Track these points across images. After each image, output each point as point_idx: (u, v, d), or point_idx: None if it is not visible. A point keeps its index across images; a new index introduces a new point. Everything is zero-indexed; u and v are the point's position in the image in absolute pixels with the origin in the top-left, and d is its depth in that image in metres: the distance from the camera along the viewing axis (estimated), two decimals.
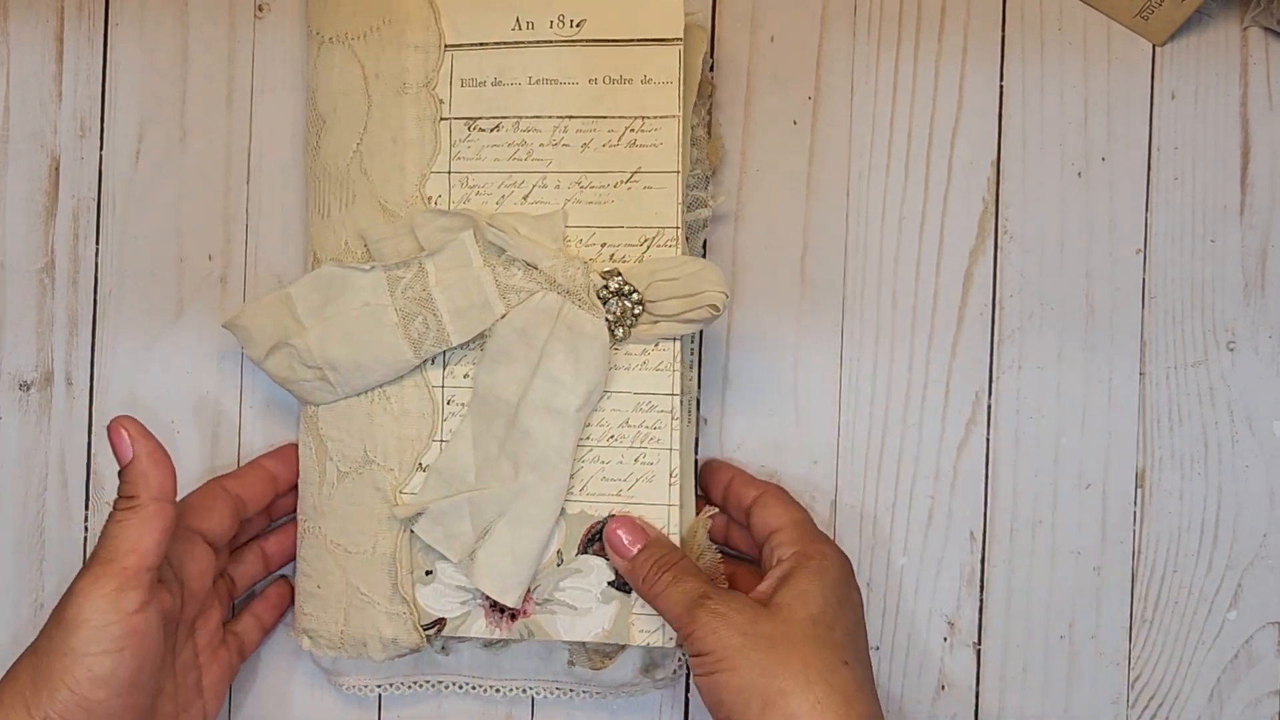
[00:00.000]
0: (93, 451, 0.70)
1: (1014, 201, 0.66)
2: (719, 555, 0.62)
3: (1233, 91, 0.66)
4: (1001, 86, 0.66)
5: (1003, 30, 0.66)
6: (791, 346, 0.67)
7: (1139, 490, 0.66)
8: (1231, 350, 0.65)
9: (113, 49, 0.70)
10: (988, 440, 0.66)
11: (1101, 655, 0.66)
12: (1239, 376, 0.65)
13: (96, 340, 0.69)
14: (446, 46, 0.63)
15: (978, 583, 0.66)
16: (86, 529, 0.70)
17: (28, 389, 0.70)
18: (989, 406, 0.66)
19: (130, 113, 0.69)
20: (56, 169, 0.70)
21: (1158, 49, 0.66)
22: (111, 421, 0.57)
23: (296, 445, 0.66)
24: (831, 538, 0.66)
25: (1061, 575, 0.66)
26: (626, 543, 0.60)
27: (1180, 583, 0.65)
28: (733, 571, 0.63)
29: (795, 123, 0.67)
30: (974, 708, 0.66)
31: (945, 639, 0.66)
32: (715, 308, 0.59)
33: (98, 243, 0.69)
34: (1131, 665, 0.66)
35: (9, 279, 0.70)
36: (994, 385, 0.66)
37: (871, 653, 0.66)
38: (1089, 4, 0.66)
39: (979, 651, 0.66)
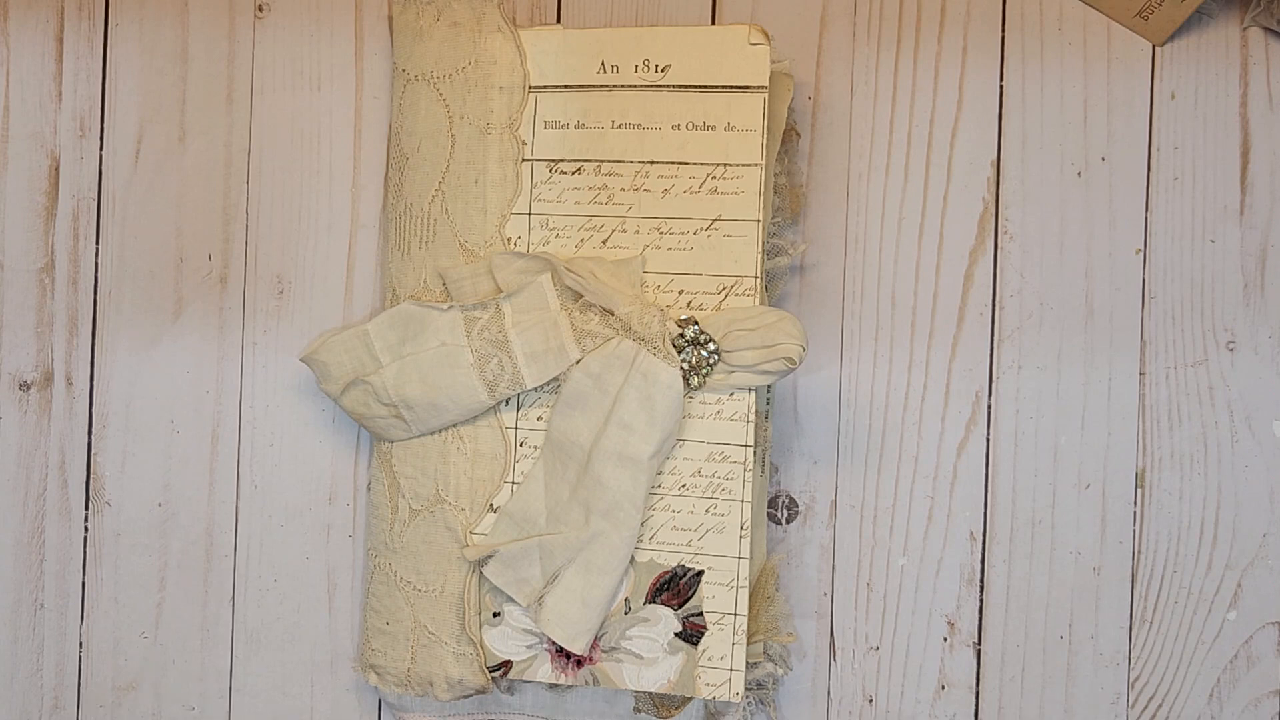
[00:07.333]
0: (93, 451, 0.69)
1: (1014, 201, 0.66)
2: (787, 605, 0.63)
3: (1233, 91, 0.66)
4: (1001, 87, 0.66)
5: (1003, 31, 0.66)
6: None
7: (1139, 490, 0.66)
8: (1231, 350, 0.65)
9: (113, 49, 0.70)
10: (988, 440, 0.66)
11: (1101, 655, 0.66)
12: (1239, 376, 0.65)
13: (96, 340, 0.69)
14: (531, 88, 0.63)
15: (978, 583, 0.66)
16: (86, 529, 0.70)
17: (28, 389, 0.70)
18: (989, 406, 0.66)
19: (130, 113, 0.69)
20: (56, 169, 0.70)
21: (1158, 49, 0.66)
22: None
23: None
24: (832, 538, 0.66)
25: (1061, 575, 0.66)
26: None
27: (1180, 583, 0.65)
28: None
29: (796, 123, 0.67)
30: (974, 708, 0.66)
31: (945, 639, 0.66)
32: (791, 360, 0.59)
33: (98, 243, 0.69)
34: (1131, 665, 0.66)
35: (9, 279, 0.70)
36: (994, 385, 0.66)
37: (871, 653, 0.66)
38: (1089, 4, 0.66)
39: (979, 651, 0.66)
